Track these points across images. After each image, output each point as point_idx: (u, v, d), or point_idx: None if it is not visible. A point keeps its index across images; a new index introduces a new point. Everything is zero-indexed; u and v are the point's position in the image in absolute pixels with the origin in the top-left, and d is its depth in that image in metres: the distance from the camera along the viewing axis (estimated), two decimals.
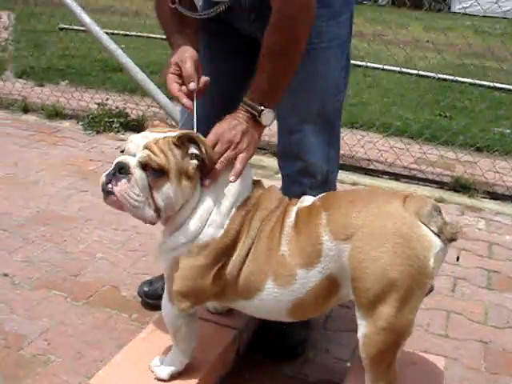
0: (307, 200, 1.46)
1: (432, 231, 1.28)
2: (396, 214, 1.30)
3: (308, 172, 1.73)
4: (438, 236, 1.29)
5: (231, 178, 1.40)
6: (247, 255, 1.40)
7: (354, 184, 3.21)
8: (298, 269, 1.35)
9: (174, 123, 3.23)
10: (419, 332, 1.96)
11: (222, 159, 1.40)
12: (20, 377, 1.66)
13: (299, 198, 1.49)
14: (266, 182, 1.53)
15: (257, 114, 1.44)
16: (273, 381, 1.73)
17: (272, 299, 1.39)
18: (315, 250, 1.33)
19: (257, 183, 1.49)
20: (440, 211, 1.31)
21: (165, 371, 1.51)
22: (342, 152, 1.97)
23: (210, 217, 1.39)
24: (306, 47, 1.48)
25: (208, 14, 1.56)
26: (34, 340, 1.82)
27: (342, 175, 3.00)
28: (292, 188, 1.74)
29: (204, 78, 1.50)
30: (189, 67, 1.47)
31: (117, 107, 4.02)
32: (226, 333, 1.73)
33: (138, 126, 3.73)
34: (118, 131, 3.82)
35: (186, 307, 1.43)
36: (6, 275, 2.16)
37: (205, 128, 1.44)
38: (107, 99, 4.17)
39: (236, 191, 1.42)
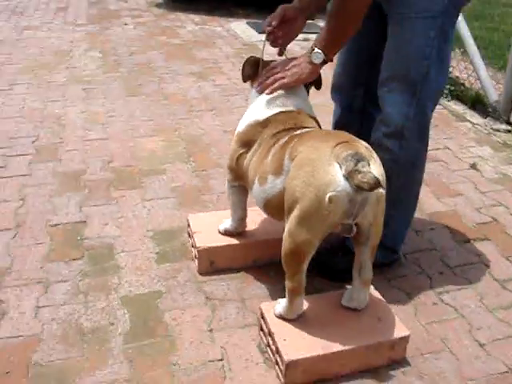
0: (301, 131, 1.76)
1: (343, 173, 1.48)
2: (321, 150, 1.55)
3: (384, 121, 1.95)
4: (347, 179, 1.46)
5: (254, 86, 1.97)
6: (253, 155, 1.86)
7: None
8: (269, 174, 1.73)
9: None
10: None
11: (268, 74, 1.92)
12: None
13: (378, 142, 1.92)
14: None
15: (309, 52, 1.84)
16: None
17: (256, 192, 1.82)
18: (280, 164, 1.68)
19: (289, 112, 1.86)
20: (360, 160, 1.47)
21: (221, 227, 2.14)
22: None
23: (245, 115, 1.96)
24: (393, 16, 1.88)
25: None
26: None
27: None
28: (373, 133, 2.00)
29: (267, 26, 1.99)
30: (273, 18, 1.98)
31: None
32: None
33: None
34: None
35: (229, 179, 2.03)
36: None
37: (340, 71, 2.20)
38: None
39: (263, 106, 1.88)
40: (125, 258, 2.22)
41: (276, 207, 1.73)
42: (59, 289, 2.04)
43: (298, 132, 1.76)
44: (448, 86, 4.02)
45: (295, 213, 1.58)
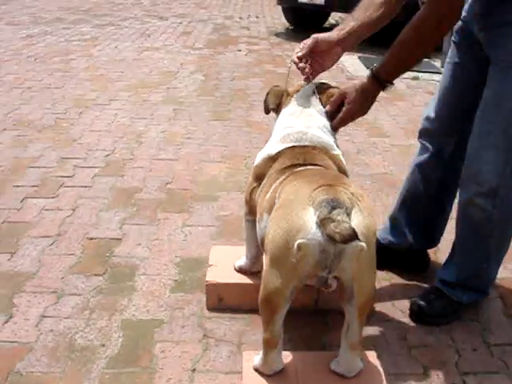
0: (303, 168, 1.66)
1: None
2: (301, 192, 1.44)
3: (477, 179, 1.81)
4: (319, 226, 1.32)
5: (327, 108, 1.85)
6: (261, 190, 1.75)
7: None
8: (264, 212, 1.62)
9: None
10: None
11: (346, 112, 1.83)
12: None
13: (468, 201, 1.84)
14: None
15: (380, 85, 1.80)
16: None
17: (258, 228, 1.71)
18: (273, 203, 1.57)
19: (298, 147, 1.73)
20: (335, 207, 1.34)
21: (236, 263, 2.04)
22: None
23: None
24: (497, 63, 1.73)
25: None
26: None
27: None
28: (462, 191, 1.89)
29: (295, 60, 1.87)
30: (302, 48, 1.85)
31: None
32: None
33: None
34: None
35: (245, 212, 1.94)
36: None
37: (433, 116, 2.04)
38: None
39: (278, 140, 1.78)
40: (143, 281, 2.19)
41: None
42: (69, 302, 2.05)
43: (299, 169, 1.63)
44: None
45: (267, 257, 1.48)
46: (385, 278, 2.23)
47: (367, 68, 5.33)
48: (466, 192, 1.86)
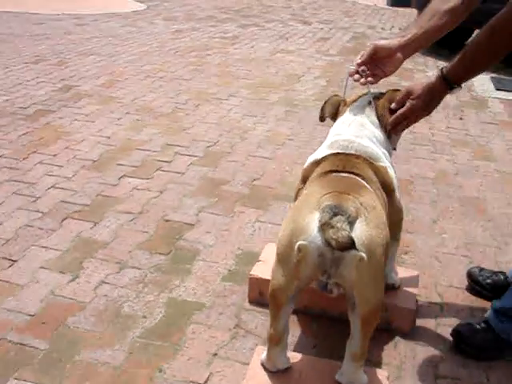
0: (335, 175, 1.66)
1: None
2: (312, 196, 1.48)
3: None
4: (319, 230, 1.36)
5: (392, 105, 1.85)
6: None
7: None
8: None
9: None
10: None
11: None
12: None
13: None
14: None
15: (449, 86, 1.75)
16: None
17: None
18: None
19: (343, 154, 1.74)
20: (337, 214, 1.35)
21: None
22: None
23: None
24: None
25: None
26: None
27: None
28: None
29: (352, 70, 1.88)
30: (361, 55, 1.87)
31: None
32: None
33: None
34: None
35: None
36: None
37: None
38: None
39: (326, 146, 1.81)
40: (200, 266, 2.31)
41: None
42: (129, 273, 2.24)
43: (330, 175, 1.64)
44: None
45: (275, 255, 1.51)
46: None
47: (497, 89, 5.03)
48: None
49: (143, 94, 4.52)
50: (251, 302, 2.09)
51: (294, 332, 1.94)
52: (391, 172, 1.79)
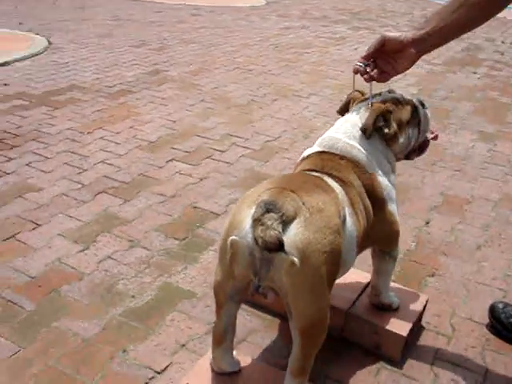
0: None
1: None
2: (255, 190, 1.36)
3: None
4: (251, 226, 1.25)
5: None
6: None
7: None
8: None
9: None
10: None
11: None
12: None
13: None
14: None
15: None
16: None
17: None
18: None
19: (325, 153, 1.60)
20: (270, 210, 1.23)
21: None
22: None
23: None
24: None
25: None
26: None
27: None
28: None
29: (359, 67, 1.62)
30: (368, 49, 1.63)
31: None
32: None
33: None
34: None
35: None
36: None
37: None
38: None
39: (315, 144, 1.66)
40: (209, 256, 2.27)
41: None
42: (136, 252, 2.24)
43: (297, 173, 1.52)
44: None
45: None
46: None
47: None
48: None
49: (225, 84, 4.55)
50: (247, 300, 2.00)
51: (273, 337, 1.84)
52: (382, 180, 1.62)
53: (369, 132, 1.62)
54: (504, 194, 2.98)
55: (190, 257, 2.24)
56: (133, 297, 1.99)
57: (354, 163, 1.58)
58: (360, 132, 1.62)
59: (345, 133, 1.64)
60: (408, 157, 1.79)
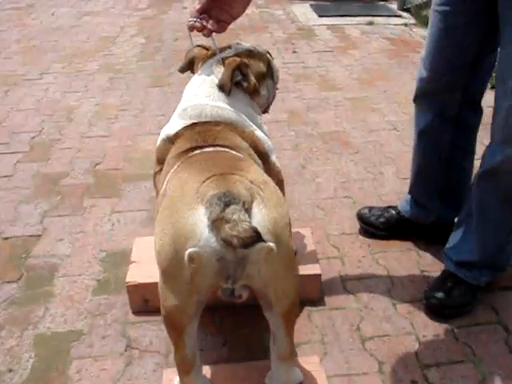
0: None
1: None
2: (187, 186, 1.16)
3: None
4: (212, 230, 1.05)
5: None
6: (160, 177, 1.45)
7: None
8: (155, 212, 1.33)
9: None
10: None
11: None
12: None
13: (500, 167, 1.59)
14: None
15: None
16: None
17: None
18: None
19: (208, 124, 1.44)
20: (229, 203, 1.06)
21: None
22: None
23: None
24: None
25: None
26: None
27: None
28: (490, 157, 1.64)
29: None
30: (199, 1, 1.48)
31: None
32: None
33: None
34: None
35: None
36: None
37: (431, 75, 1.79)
38: None
39: (177, 116, 1.51)
40: (63, 283, 1.93)
41: None
42: None
43: (194, 153, 1.35)
44: None
45: (159, 271, 1.20)
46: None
47: (319, 16, 5.01)
48: (494, 158, 1.61)
49: None
50: (136, 312, 1.78)
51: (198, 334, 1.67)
52: (259, 134, 1.54)
53: (227, 88, 1.51)
54: (288, 111, 3.14)
55: (42, 295, 1.87)
56: (10, 371, 1.60)
57: (231, 125, 1.46)
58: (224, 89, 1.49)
59: (208, 96, 1.50)
60: (266, 110, 1.73)
